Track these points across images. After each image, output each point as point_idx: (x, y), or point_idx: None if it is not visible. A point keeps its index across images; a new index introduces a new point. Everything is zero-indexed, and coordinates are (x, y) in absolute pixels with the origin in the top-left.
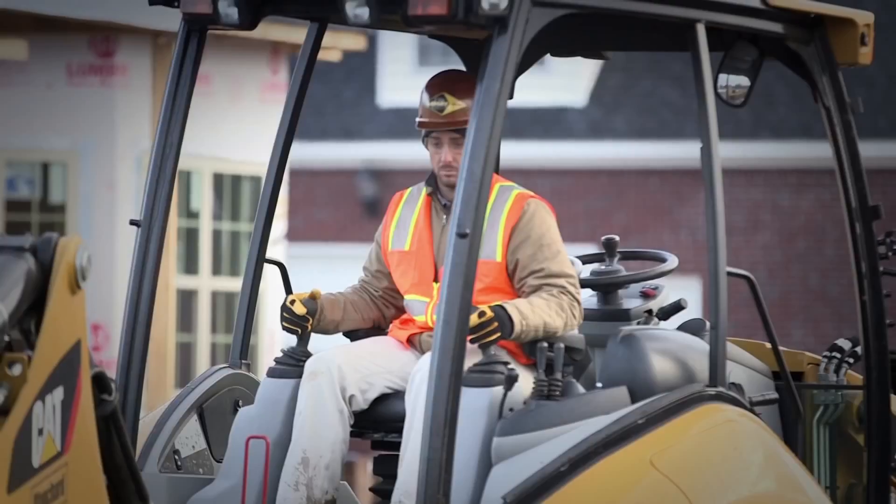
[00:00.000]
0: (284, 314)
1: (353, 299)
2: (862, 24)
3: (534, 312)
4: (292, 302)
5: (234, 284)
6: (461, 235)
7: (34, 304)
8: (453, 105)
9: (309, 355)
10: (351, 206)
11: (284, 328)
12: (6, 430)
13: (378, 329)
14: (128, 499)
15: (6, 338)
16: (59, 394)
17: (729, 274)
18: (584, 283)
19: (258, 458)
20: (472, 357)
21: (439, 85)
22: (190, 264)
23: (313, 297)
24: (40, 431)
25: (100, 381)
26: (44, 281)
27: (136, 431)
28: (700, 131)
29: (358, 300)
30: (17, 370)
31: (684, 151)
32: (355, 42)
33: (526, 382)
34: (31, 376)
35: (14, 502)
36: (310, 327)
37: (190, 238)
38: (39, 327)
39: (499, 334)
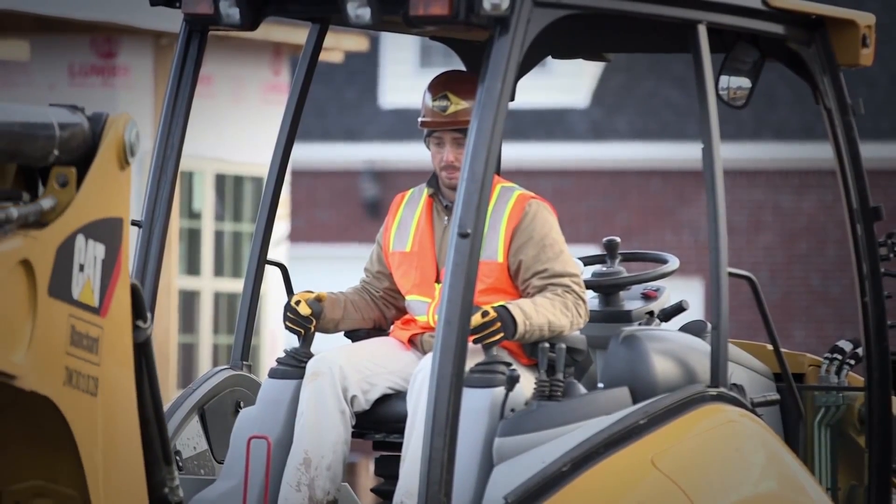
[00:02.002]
0: (288, 314)
1: (353, 299)
2: (863, 25)
3: (537, 312)
4: (297, 302)
5: (237, 285)
6: (462, 235)
7: (81, 167)
8: (456, 105)
9: (311, 356)
10: (353, 207)
11: (287, 328)
12: (52, 233)
13: (379, 329)
14: (153, 464)
15: (55, 153)
16: (100, 250)
17: (730, 275)
18: (586, 285)
19: (259, 459)
20: (474, 357)
21: (442, 84)
22: (192, 265)
23: (318, 299)
24: (81, 268)
25: (135, 299)
26: (93, 144)
27: None
28: (701, 132)
29: (358, 300)
30: (64, 185)
31: (686, 152)
32: (357, 43)
33: (527, 383)
34: (77, 204)
35: (52, 309)
36: (313, 328)
37: (192, 239)
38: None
39: (502, 334)
